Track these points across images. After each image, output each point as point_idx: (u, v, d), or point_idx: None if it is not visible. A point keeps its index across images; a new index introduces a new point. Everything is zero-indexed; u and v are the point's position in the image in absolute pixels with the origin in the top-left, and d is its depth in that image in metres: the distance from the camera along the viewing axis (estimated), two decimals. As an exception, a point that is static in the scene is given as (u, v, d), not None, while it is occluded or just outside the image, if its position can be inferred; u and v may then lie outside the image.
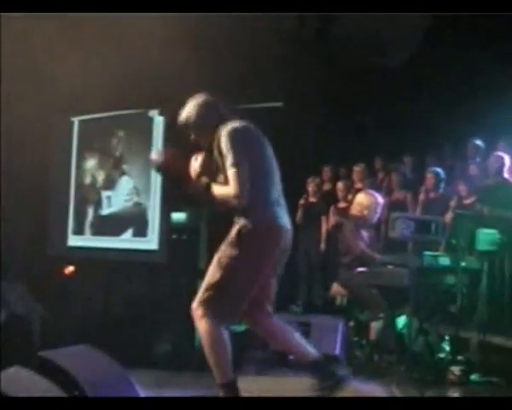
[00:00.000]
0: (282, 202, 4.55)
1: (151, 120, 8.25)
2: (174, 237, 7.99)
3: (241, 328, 8.79)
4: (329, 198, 9.90)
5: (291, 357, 6.83)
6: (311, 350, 4.57)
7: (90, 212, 8.53)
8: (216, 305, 4.42)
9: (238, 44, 8.40)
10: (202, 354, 7.25)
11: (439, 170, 8.81)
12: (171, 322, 7.51)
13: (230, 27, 7.89)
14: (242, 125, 4.50)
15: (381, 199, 7.51)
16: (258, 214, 4.36)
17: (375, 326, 7.09)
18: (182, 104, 8.04)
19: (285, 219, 4.48)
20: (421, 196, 8.91)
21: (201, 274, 7.92)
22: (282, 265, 4.57)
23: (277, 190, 4.55)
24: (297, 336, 4.62)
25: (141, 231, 8.16)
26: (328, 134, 10.62)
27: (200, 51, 7.91)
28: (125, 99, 8.14)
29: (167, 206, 7.99)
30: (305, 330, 6.97)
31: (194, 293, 7.67)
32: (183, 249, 7.92)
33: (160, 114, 8.21)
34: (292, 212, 9.91)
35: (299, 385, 6.03)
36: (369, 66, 10.28)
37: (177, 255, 7.83)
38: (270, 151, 4.60)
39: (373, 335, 7.09)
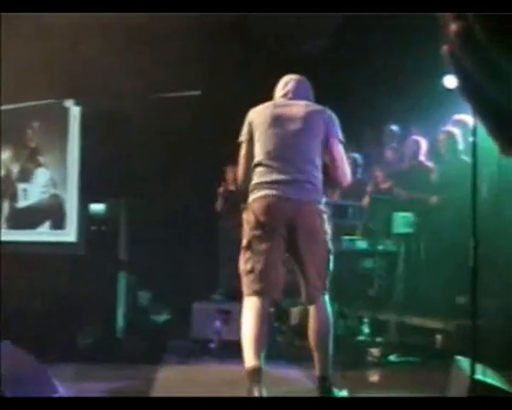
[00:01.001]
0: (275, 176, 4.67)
1: (67, 110, 8.10)
2: (93, 228, 7.89)
3: (162, 318, 8.79)
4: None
5: (212, 346, 6.88)
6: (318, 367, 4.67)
7: (6, 205, 8.34)
8: (247, 284, 4.88)
9: (154, 32, 8.34)
10: (124, 346, 7.27)
11: (356, 156, 8.93)
12: (92, 314, 7.44)
13: (146, 16, 7.83)
14: (261, 106, 4.98)
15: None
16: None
17: (296, 311, 7.16)
18: (98, 93, 8.00)
19: (262, 192, 4.66)
20: (340, 182, 9.00)
21: (122, 265, 7.95)
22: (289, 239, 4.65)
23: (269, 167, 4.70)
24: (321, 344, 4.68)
25: (58, 224, 8.02)
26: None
27: (117, 40, 7.81)
28: (39, 89, 7.99)
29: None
30: (226, 318, 7.00)
31: (115, 284, 7.72)
32: (103, 241, 7.83)
33: (77, 103, 8.07)
34: (211, 200, 9.99)
35: (220, 373, 6.08)
36: (289, 54, 10.33)
37: (97, 247, 7.74)
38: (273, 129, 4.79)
39: (294, 320, 7.16)
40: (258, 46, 10.23)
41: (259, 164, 4.75)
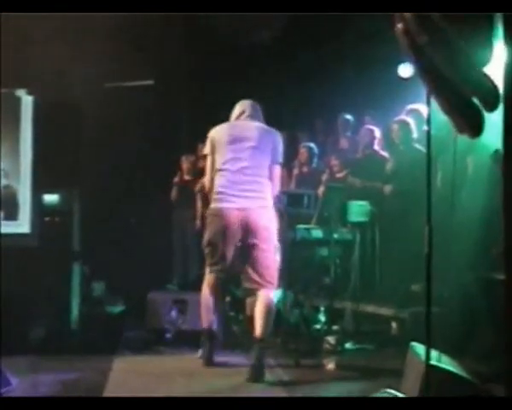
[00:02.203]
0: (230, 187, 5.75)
1: (19, 99, 7.98)
2: (46, 219, 7.79)
3: (116, 309, 8.73)
4: (204, 176, 9.89)
5: (167, 336, 6.85)
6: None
7: (-44, 196, 8.17)
8: None
9: (108, 22, 8.26)
10: (77, 337, 7.20)
11: (312, 145, 8.94)
12: (45, 306, 7.35)
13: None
14: (220, 125, 6.04)
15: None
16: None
17: (251, 302, 7.14)
18: (50, 83, 7.88)
19: (221, 204, 5.77)
20: (295, 171, 9.02)
21: (75, 256, 7.86)
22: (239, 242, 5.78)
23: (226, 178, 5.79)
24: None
25: (11, 215, 7.90)
26: (202, 111, 10.61)
27: (70, 30, 7.72)
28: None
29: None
30: (182, 308, 6.97)
31: (69, 275, 7.64)
32: (56, 232, 7.74)
33: (29, 93, 7.95)
34: (166, 190, 9.94)
35: (176, 363, 6.05)
36: (240, 43, 10.32)
37: (50, 238, 7.64)
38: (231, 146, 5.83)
39: (249, 310, 7.14)
40: (211, 35, 10.20)
41: (218, 176, 5.83)
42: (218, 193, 5.82)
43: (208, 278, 6.00)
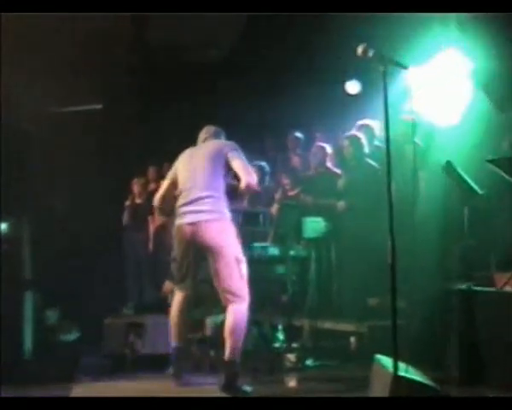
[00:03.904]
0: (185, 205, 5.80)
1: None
2: (-5, 248, 7.63)
3: (72, 336, 8.56)
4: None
5: (125, 361, 6.73)
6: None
7: None
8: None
9: (57, 46, 8.20)
10: (32, 367, 7.04)
11: (263, 164, 8.89)
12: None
13: (50, 27, 7.69)
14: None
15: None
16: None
17: (210, 322, 7.08)
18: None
19: (178, 220, 5.82)
20: (247, 190, 8.98)
21: (27, 285, 7.69)
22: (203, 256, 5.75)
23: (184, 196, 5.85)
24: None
25: (-42, 246, 7.71)
26: (151, 134, 10.56)
27: (17, 55, 7.64)
28: None
29: None
30: (139, 331, 6.86)
31: (21, 304, 7.46)
32: (6, 260, 7.58)
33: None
34: (118, 213, 9.84)
35: (135, 389, 5.94)
36: (188, 63, 10.32)
37: (0, 267, 7.49)
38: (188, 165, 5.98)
39: (208, 331, 7.07)
40: (159, 57, 10.19)
41: (179, 196, 5.91)
42: (178, 211, 5.88)
43: (176, 295, 5.95)
